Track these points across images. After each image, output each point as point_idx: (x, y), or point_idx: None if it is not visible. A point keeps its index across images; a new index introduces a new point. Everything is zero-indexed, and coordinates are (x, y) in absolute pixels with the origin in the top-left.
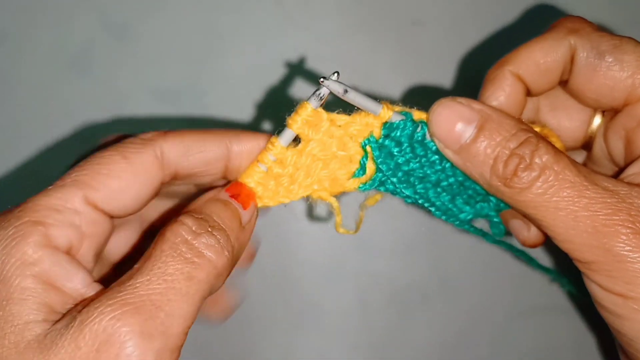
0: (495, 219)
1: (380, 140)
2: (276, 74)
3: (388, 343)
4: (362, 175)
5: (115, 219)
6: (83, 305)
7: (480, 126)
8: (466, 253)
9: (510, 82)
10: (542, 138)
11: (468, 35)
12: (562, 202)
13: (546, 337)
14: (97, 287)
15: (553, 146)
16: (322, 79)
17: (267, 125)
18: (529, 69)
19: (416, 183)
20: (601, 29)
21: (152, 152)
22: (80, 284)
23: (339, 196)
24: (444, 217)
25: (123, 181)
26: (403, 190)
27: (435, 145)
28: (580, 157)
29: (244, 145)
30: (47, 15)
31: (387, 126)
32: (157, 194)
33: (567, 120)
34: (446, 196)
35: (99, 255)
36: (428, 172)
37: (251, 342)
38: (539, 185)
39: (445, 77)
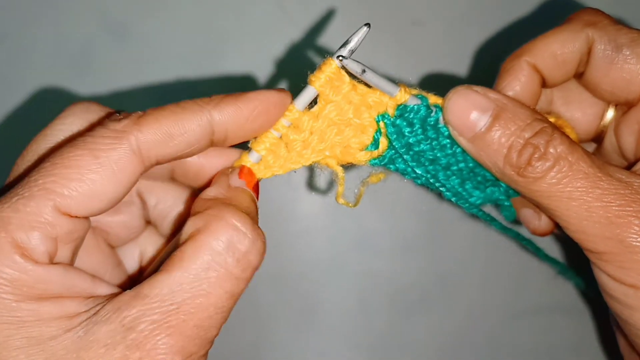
0: (506, 203)
1: (394, 119)
2: (276, 73)
3: (388, 343)
4: (374, 149)
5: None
6: (114, 311)
7: (495, 115)
8: (466, 253)
9: (527, 73)
10: (557, 128)
11: (468, 36)
12: (575, 193)
13: (545, 337)
14: (101, 283)
15: (568, 137)
16: (340, 57)
17: None
18: (545, 60)
19: (427, 164)
20: (619, 22)
21: (127, 148)
22: (85, 285)
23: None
24: (454, 199)
25: (96, 185)
26: (415, 168)
27: (447, 130)
28: (589, 149)
29: (225, 114)
30: (47, 15)
31: (402, 107)
32: (134, 184)
33: (579, 113)
34: (456, 179)
35: (77, 251)
36: (438, 154)
37: (251, 342)
38: (552, 175)
39: (444, 77)
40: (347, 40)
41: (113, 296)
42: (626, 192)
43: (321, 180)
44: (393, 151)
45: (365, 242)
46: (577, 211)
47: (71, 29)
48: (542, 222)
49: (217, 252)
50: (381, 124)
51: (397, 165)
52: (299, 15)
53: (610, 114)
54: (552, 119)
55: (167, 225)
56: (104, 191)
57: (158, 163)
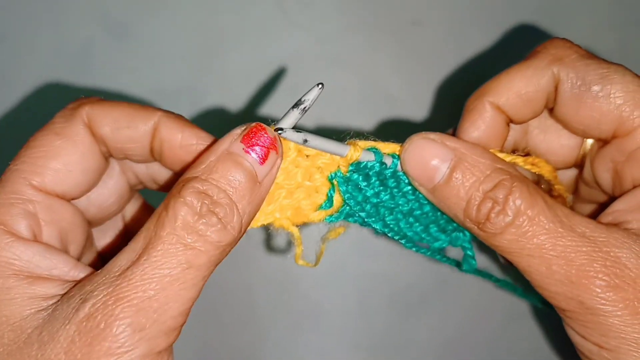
0: (468, 252)
1: (348, 175)
2: (276, 74)
3: (388, 343)
4: (329, 207)
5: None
6: (79, 289)
7: (453, 166)
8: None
9: (490, 114)
10: (518, 178)
11: (468, 36)
12: (535, 250)
13: (545, 337)
14: (84, 268)
15: (529, 187)
16: (279, 131)
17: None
18: (509, 100)
19: (386, 214)
20: (588, 54)
21: (80, 121)
22: (66, 267)
23: (301, 226)
24: (414, 249)
25: (63, 158)
26: (372, 224)
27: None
28: (571, 174)
29: (167, 129)
30: (47, 15)
31: (355, 165)
32: (105, 169)
33: (557, 143)
34: (419, 226)
35: (71, 240)
36: (400, 202)
37: (252, 342)
38: (512, 231)
39: (445, 77)
40: (300, 100)
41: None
42: (588, 249)
43: (281, 240)
44: (348, 207)
45: (365, 243)
46: (538, 268)
47: (71, 29)
48: None
49: (172, 227)
50: (334, 181)
51: (355, 218)
52: (299, 15)
53: (589, 142)
54: (520, 160)
55: (156, 186)
56: (71, 163)
57: (109, 151)
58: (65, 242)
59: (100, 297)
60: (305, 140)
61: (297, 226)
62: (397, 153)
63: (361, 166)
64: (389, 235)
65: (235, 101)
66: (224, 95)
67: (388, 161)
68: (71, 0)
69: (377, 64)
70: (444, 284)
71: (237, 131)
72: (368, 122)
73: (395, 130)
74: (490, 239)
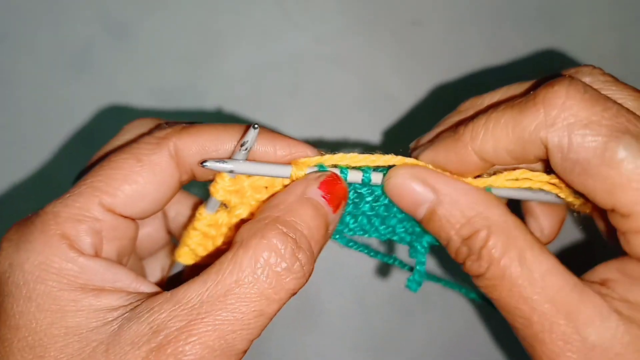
0: (418, 267)
1: None
2: (276, 74)
3: (388, 343)
4: None
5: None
6: (148, 311)
7: (431, 209)
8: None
9: (474, 162)
10: (497, 226)
11: (468, 36)
12: (502, 303)
13: None
14: (143, 280)
15: (508, 237)
16: (204, 164)
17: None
18: (494, 152)
19: (349, 220)
20: (592, 113)
21: (166, 152)
22: (127, 280)
23: None
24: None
25: (139, 185)
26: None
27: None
28: None
29: (261, 147)
30: (47, 15)
31: None
32: (177, 191)
33: None
34: (384, 227)
35: (125, 255)
36: (364, 208)
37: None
38: (485, 281)
39: (444, 77)
40: (243, 142)
41: (152, 295)
42: (551, 319)
43: None
44: None
45: (365, 243)
46: (506, 318)
47: (71, 29)
48: (544, 233)
49: (252, 270)
50: None
51: None
52: (299, 15)
53: None
54: (544, 179)
55: (174, 229)
56: (146, 191)
57: (194, 176)
58: (122, 257)
59: (172, 330)
60: (231, 171)
61: None
62: (344, 166)
63: None
64: (353, 238)
65: (235, 101)
66: (223, 95)
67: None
68: (71, 0)
69: (377, 64)
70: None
71: (313, 176)
72: (368, 122)
73: (395, 130)
74: (471, 276)
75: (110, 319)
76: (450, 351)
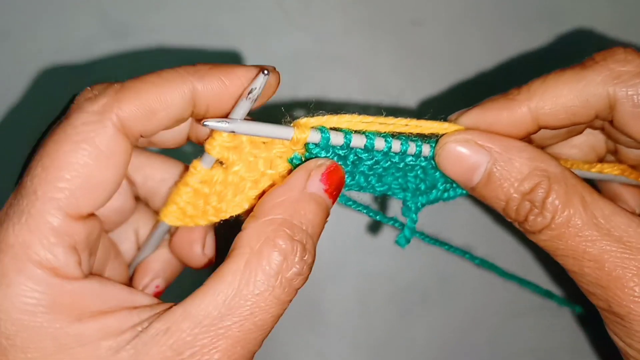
0: (409, 224)
1: (307, 154)
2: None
3: (388, 343)
4: None
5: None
6: (164, 332)
7: (489, 169)
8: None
9: (522, 118)
10: (557, 177)
11: (468, 36)
12: (569, 251)
13: (545, 337)
14: (136, 291)
15: (568, 187)
16: (205, 123)
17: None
18: (553, 110)
19: (348, 178)
20: None
21: (111, 128)
22: (123, 295)
23: None
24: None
25: (95, 176)
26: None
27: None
28: None
29: (210, 88)
30: (47, 15)
31: (309, 146)
32: (129, 161)
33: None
34: (380, 184)
35: (95, 253)
36: (362, 168)
37: None
38: (548, 233)
39: (444, 77)
40: (250, 89)
41: (155, 309)
42: (622, 255)
43: None
44: None
45: (365, 242)
46: (572, 269)
47: (71, 29)
48: None
49: (268, 279)
50: (296, 162)
51: None
52: (299, 15)
53: None
54: (607, 167)
55: (158, 200)
56: (103, 179)
57: (142, 137)
58: (94, 258)
59: (197, 349)
60: (232, 132)
61: None
62: (349, 129)
63: (313, 151)
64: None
65: None
66: None
67: (338, 139)
68: (71, 0)
69: (377, 64)
70: (444, 283)
71: (313, 164)
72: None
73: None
74: (529, 236)
75: (122, 344)
76: (450, 351)
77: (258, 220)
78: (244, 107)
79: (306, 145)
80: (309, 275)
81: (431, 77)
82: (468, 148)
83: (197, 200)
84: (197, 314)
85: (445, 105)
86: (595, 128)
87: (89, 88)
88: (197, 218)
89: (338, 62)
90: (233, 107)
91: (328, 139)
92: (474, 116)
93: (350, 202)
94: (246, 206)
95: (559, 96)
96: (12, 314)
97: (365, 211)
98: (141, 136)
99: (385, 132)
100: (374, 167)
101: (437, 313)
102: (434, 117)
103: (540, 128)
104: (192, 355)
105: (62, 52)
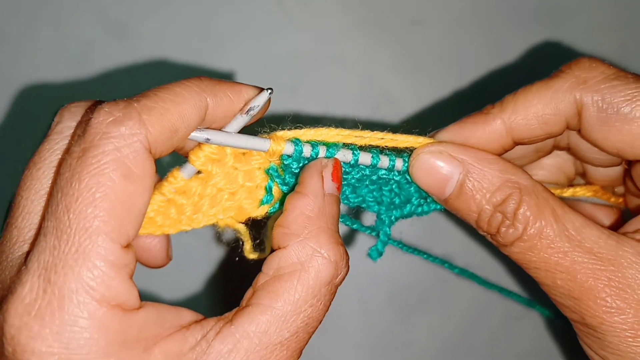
0: (382, 237)
1: (282, 166)
2: (276, 74)
3: (388, 343)
4: (270, 200)
5: None
6: (222, 349)
7: (461, 181)
8: (465, 253)
9: (498, 132)
10: (528, 189)
11: (468, 36)
12: (541, 264)
13: (545, 338)
14: (179, 310)
15: (539, 198)
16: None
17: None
18: (525, 119)
19: None
20: (616, 73)
21: (144, 152)
22: (171, 316)
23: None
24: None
25: (137, 204)
26: None
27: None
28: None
29: (221, 104)
30: (47, 15)
31: (284, 157)
32: None
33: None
34: (355, 196)
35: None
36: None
37: None
38: (520, 245)
39: (444, 77)
40: (251, 106)
41: (205, 325)
42: (594, 266)
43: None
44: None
45: (365, 243)
46: (544, 281)
47: (71, 29)
48: None
49: (320, 290)
50: (272, 172)
51: None
52: (299, 15)
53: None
54: (580, 191)
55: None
56: (142, 203)
57: (160, 156)
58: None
59: None
60: (208, 139)
61: (243, 222)
62: (318, 140)
63: (287, 162)
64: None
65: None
66: None
67: (307, 151)
68: (71, 0)
69: (377, 64)
70: (444, 284)
71: (320, 167)
72: (368, 122)
73: (395, 130)
74: (502, 249)
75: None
76: (450, 351)
77: (298, 236)
78: (239, 122)
79: (281, 156)
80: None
81: (431, 77)
82: (441, 159)
83: (169, 210)
84: (256, 331)
85: (445, 105)
86: (561, 148)
87: (105, 109)
88: (165, 227)
89: (338, 62)
90: (229, 121)
91: (301, 151)
92: (450, 132)
93: None
94: (221, 217)
95: (529, 106)
96: (88, 358)
97: (341, 220)
98: (160, 156)
99: (353, 145)
100: (346, 177)
101: (437, 313)
102: (430, 119)
103: (515, 143)
104: None
105: (62, 52)
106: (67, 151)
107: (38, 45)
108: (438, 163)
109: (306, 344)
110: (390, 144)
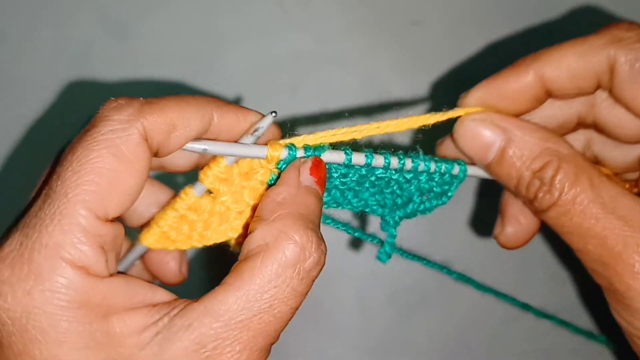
0: (389, 239)
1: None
2: (276, 74)
3: (387, 343)
4: None
5: None
6: (185, 328)
7: (503, 147)
8: (465, 254)
9: (530, 81)
10: (566, 156)
11: (468, 36)
12: (574, 229)
13: (545, 338)
14: (156, 288)
15: (577, 166)
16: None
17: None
18: (556, 71)
19: (326, 195)
20: None
21: (137, 136)
22: (145, 291)
23: None
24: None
25: (122, 181)
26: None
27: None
28: None
29: (226, 119)
30: (47, 15)
31: (279, 166)
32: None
33: (628, 115)
34: (357, 200)
35: (119, 257)
36: (336, 182)
37: None
38: (556, 210)
39: (445, 77)
40: (256, 128)
41: (174, 305)
42: (625, 234)
43: None
44: None
45: (365, 243)
46: (577, 246)
47: (71, 29)
48: (504, 232)
49: (285, 271)
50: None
51: None
52: (299, 15)
53: None
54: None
55: (135, 220)
56: (129, 185)
57: (157, 155)
58: (117, 258)
59: (219, 342)
60: (205, 149)
61: None
62: (313, 144)
63: (284, 165)
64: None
65: (235, 101)
66: (223, 95)
67: (301, 154)
68: (71, 0)
69: (377, 64)
70: (444, 284)
71: (298, 163)
72: (368, 123)
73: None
74: (538, 214)
75: (146, 341)
76: (450, 351)
77: (266, 220)
78: (247, 141)
79: (278, 164)
80: (324, 263)
81: (431, 77)
82: (484, 126)
83: (182, 226)
84: (217, 309)
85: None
86: (587, 126)
87: (113, 99)
88: (178, 242)
89: (338, 62)
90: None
91: (294, 157)
92: (483, 86)
93: (328, 220)
94: (230, 234)
95: (562, 58)
96: (47, 309)
97: (344, 228)
98: (157, 154)
99: (346, 147)
100: (345, 180)
101: (437, 314)
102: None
103: (547, 96)
104: (214, 348)
105: (62, 52)
106: None
107: (38, 45)
108: (481, 129)
109: (275, 331)
110: (390, 130)
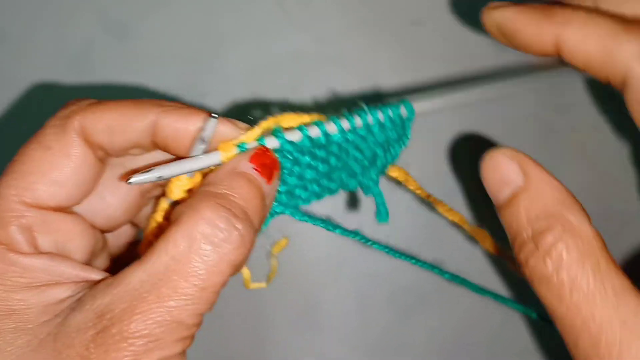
0: (378, 199)
1: None
2: (276, 74)
3: (387, 343)
4: None
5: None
6: (91, 297)
7: (515, 194)
8: (465, 254)
9: (547, 43)
10: (577, 229)
11: (468, 36)
12: (567, 319)
13: (545, 338)
14: (92, 269)
15: (584, 240)
16: (129, 181)
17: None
18: (574, 46)
19: (297, 192)
20: None
21: (72, 132)
22: (74, 271)
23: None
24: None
25: (55, 173)
26: (289, 205)
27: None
28: None
29: (170, 120)
30: (47, 15)
31: None
32: (101, 171)
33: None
34: (328, 182)
35: (67, 248)
36: (299, 171)
37: (250, 342)
38: (553, 283)
39: (444, 77)
40: (202, 136)
41: (96, 282)
42: (606, 327)
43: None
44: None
45: (365, 243)
46: (566, 338)
47: (71, 29)
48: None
49: (188, 244)
50: None
51: (283, 209)
52: (299, 15)
53: None
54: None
55: (182, 149)
56: (63, 177)
57: (108, 154)
58: (65, 251)
59: (116, 312)
60: (160, 177)
61: None
62: (258, 136)
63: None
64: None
65: (235, 101)
66: (223, 95)
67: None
68: (71, 0)
69: (377, 64)
70: (444, 284)
71: (242, 154)
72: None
73: None
74: (530, 282)
75: (58, 311)
76: (449, 351)
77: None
78: (198, 150)
79: None
80: (245, 246)
81: (431, 77)
82: (510, 160)
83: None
84: (120, 282)
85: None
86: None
87: (70, 101)
88: None
89: (338, 62)
90: (189, 148)
91: (244, 149)
92: (509, 12)
93: (305, 218)
94: None
95: (587, 37)
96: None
97: (323, 225)
98: (107, 153)
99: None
100: (314, 165)
101: (436, 314)
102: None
103: (556, 54)
104: (111, 318)
105: (62, 52)
106: None
107: (38, 45)
108: (509, 164)
109: (183, 309)
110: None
